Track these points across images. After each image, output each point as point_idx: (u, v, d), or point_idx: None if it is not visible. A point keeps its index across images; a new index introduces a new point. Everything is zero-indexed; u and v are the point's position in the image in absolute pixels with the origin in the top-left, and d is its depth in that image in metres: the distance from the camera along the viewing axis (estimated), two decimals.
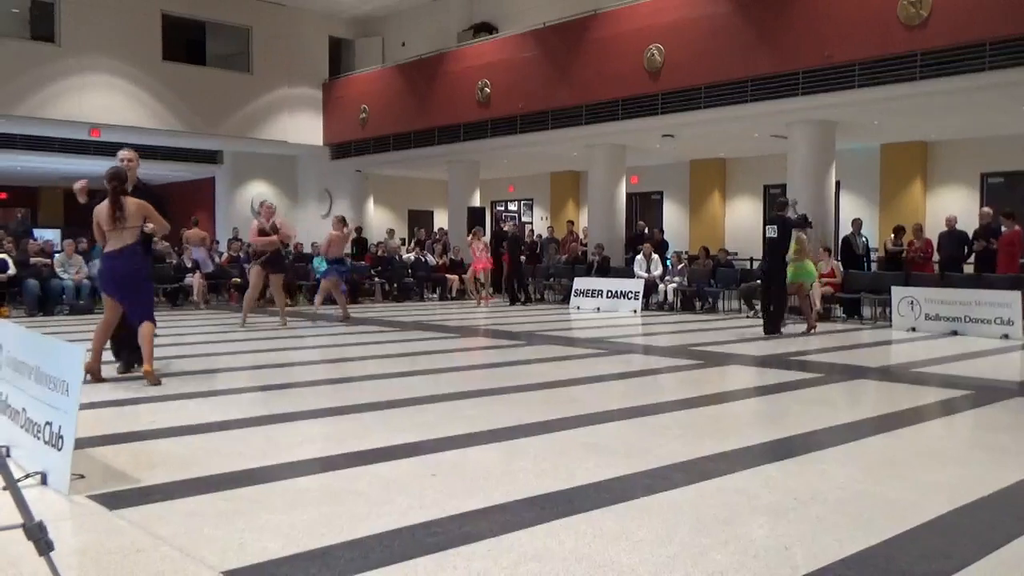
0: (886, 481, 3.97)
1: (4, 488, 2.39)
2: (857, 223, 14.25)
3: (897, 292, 11.77)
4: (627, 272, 15.74)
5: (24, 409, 3.93)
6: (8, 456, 3.79)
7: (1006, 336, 10.43)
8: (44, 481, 3.67)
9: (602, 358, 8.72)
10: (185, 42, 20.67)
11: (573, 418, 5.34)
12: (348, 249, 18.10)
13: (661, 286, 15.25)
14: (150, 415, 5.43)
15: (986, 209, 13.30)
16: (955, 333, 10.93)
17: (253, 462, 4.20)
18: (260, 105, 21.41)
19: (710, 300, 14.99)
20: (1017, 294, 10.64)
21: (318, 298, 12.30)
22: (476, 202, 20.72)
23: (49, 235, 19.79)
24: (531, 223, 23.40)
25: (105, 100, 18.82)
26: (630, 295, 14.61)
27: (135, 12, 19.16)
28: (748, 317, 13.14)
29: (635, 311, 14.29)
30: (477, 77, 18.52)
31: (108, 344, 6.73)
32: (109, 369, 6.79)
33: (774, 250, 10.72)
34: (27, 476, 3.67)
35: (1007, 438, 5.08)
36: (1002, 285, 11.28)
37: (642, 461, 4.22)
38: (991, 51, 11.44)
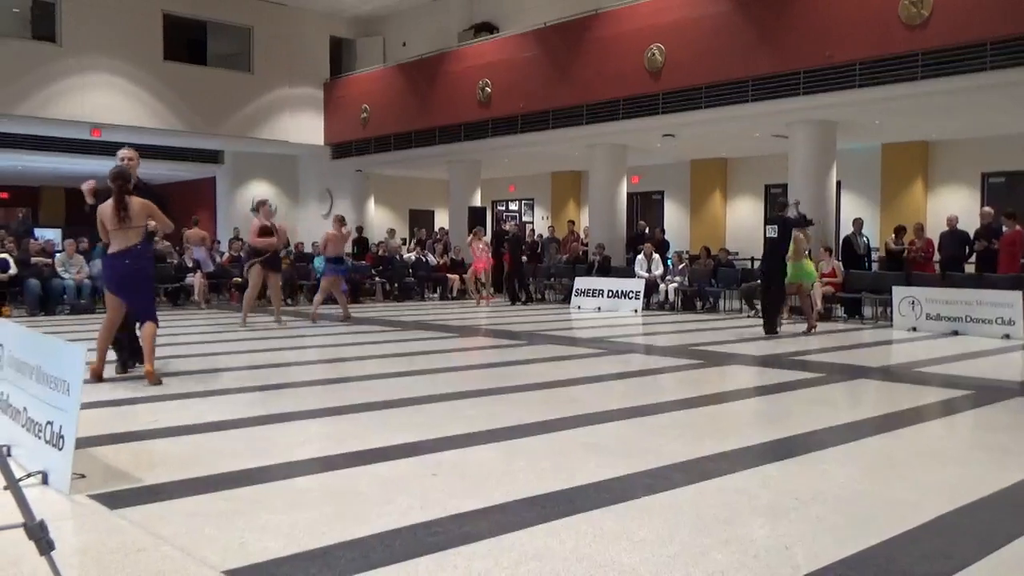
0: (887, 481, 3.97)
1: (5, 487, 2.39)
2: (858, 223, 14.24)
3: (898, 292, 11.77)
4: (628, 272, 15.74)
5: (25, 408, 3.94)
6: (9, 455, 3.80)
7: (1007, 336, 10.43)
8: (45, 480, 3.68)
9: (603, 358, 8.72)
10: (186, 42, 20.68)
11: (574, 418, 5.34)
12: (349, 249, 18.14)
13: (662, 286, 15.25)
14: (151, 415, 5.43)
15: (987, 209, 13.29)
16: (956, 333, 10.93)
17: (254, 462, 4.20)
18: (261, 105, 21.42)
19: (711, 300, 14.99)
20: (1018, 294, 10.63)
21: (318, 298, 12.30)
22: (477, 202, 20.72)
23: (50, 235, 19.83)
24: (532, 223, 23.42)
25: (106, 100, 18.83)
26: (631, 295, 14.61)
27: (136, 12, 19.17)
28: (749, 317, 13.14)
29: (636, 311, 14.29)
30: (478, 77, 18.52)
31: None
32: (108, 369, 6.78)
33: (774, 250, 10.72)
34: (28, 475, 3.67)
35: (1008, 438, 5.08)
36: (1003, 285, 11.28)
37: (642, 461, 4.23)
38: (992, 51, 11.43)
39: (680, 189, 20.97)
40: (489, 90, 18.28)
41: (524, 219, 24.23)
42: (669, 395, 6.59)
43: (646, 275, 15.20)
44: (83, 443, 4.14)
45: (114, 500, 3.51)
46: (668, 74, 15.02)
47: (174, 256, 15.93)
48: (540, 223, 23.37)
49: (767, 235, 10.94)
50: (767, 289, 10.92)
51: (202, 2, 20.37)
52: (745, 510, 3.48)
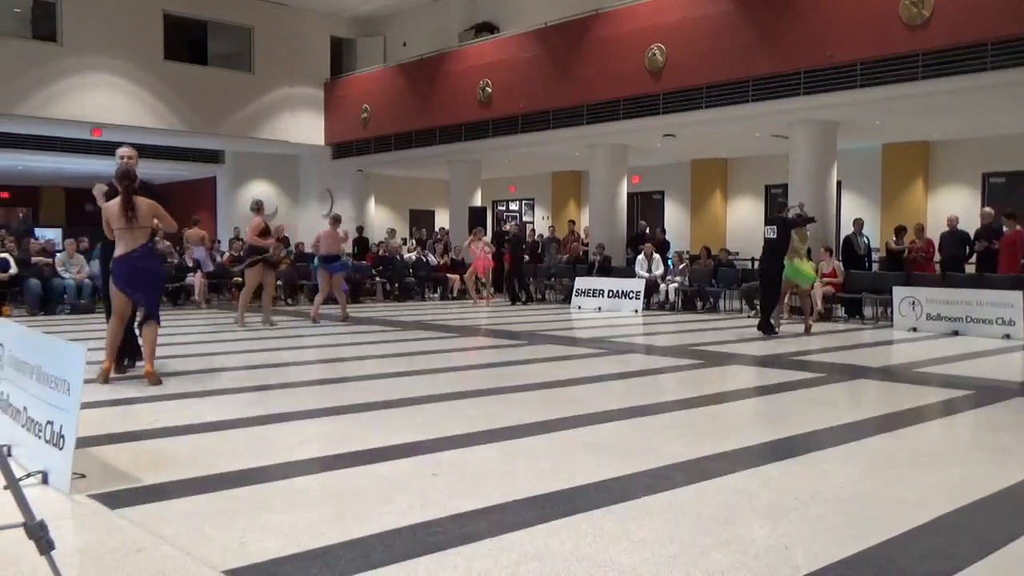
0: (887, 481, 3.97)
1: (5, 487, 2.40)
2: (858, 223, 14.24)
3: (898, 292, 11.77)
4: (628, 272, 15.74)
5: (25, 408, 3.94)
6: (9, 455, 3.80)
7: (1007, 336, 10.42)
8: (45, 480, 3.68)
9: (603, 358, 8.72)
10: (187, 42, 20.68)
11: (574, 418, 5.34)
12: (349, 248, 18.14)
13: (662, 286, 15.25)
14: (151, 415, 5.43)
15: (987, 209, 13.29)
16: (956, 333, 10.92)
17: (254, 462, 4.20)
18: (261, 105, 21.42)
19: (711, 300, 14.99)
20: (1019, 294, 10.63)
21: (318, 298, 12.32)
22: (477, 202, 20.72)
23: (50, 234, 19.82)
24: (532, 223, 23.41)
25: (107, 100, 18.83)
26: (631, 295, 14.61)
27: (137, 12, 19.17)
28: (749, 317, 13.12)
29: (636, 311, 14.29)
30: (478, 77, 18.52)
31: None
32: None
33: (772, 250, 10.72)
34: (28, 475, 3.67)
35: (1008, 438, 5.07)
36: (1003, 285, 11.27)
37: (642, 461, 4.22)
38: (993, 51, 11.42)
39: (680, 189, 20.97)
40: (490, 90, 18.28)
41: (524, 219, 24.23)
42: (669, 395, 6.59)
43: (646, 275, 15.20)
44: (83, 443, 4.14)
45: (114, 500, 3.52)
46: (669, 74, 15.02)
47: (174, 256, 15.93)
48: (540, 223, 23.37)
49: (766, 235, 10.94)
50: (764, 289, 10.93)
51: (202, 2, 20.37)
52: (745, 510, 3.48)
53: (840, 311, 13.60)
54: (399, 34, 22.74)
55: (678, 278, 15.42)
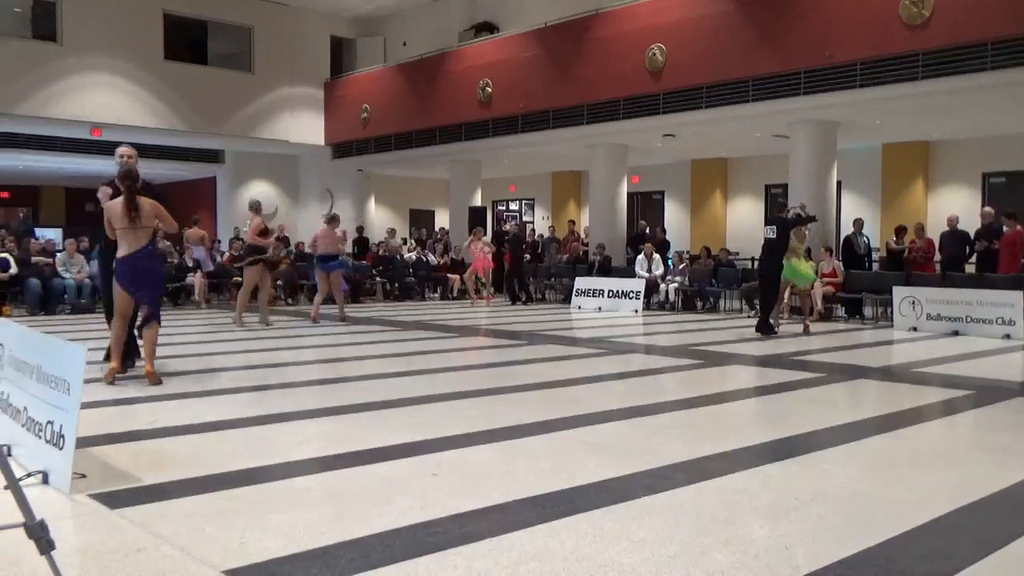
0: (887, 481, 3.97)
1: (5, 487, 2.40)
2: (858, 223, 14.24)
3: (898, 292, 11.77)
4: (628, 272, 15.74)
5: (25, 408, 3.94)
6: (9, 455, 3.79)
7: (1008, 336, 10.42)
8: (45, 480, 3.68)
9: (603, 358, 8.71)
10: (187, 41, 20.68)
11: (574, 418, 5.34)
12: (349, 248, 18.13)
13: (662, 286, 15.25)
14: (151, 414, 5.43)
15: (988, 209, 13.28)
16: (956, 333, 10.92)
17: (254, 461, 4.20)
18: (262, 104, 21.42)
19: (711, 300, 14.99)
20: (1019, 294, 10.63)
21: (317, 298, 12.34)
22: (477, 202, 20.72)
23: (51, 234, 19.80)
24: (532, 223, 23.41)
25: (107, 99, 18.83)
26: (631, 295, 14.61)
27: (137, 11, 19.17)
28: (749, 317, 13.12)
29: (636, 311, 14.29)
30: (478, 77, 18.52)
31: (104, 345, 6.73)
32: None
33: (771, 250, 10.71)
34: (28, 475, 3.67)
35: (1008, 438, 5.07)
36: (1004, 285, 11.27)
37: (643, 461, 4.22)
38: (993, 51, 11.42)
39: (680, 189, 20.97)
40: (490, 90, 18.28)
41: (524, 219, 24.23)
42: (669, 395, 6.59)
43: (646, 275, 15.19)
44: (83, 443, 4.14)
45: (114, 500, 3.51)
46: (669, 74, 15.02)
47: (174, 256, 15.93)
48: (540, 223, 23.36)
49: (766, 235, 10.94)
50: (763, 289, 10.94)
51: (203, 2, 20.37)
52: (745, 510, 3.48)
53: (840, 311, 13.60)
54: (399, 34, 22.75)
55: (678, 278, 15.42)
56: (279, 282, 16.19)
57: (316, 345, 9.67)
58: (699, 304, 15.09)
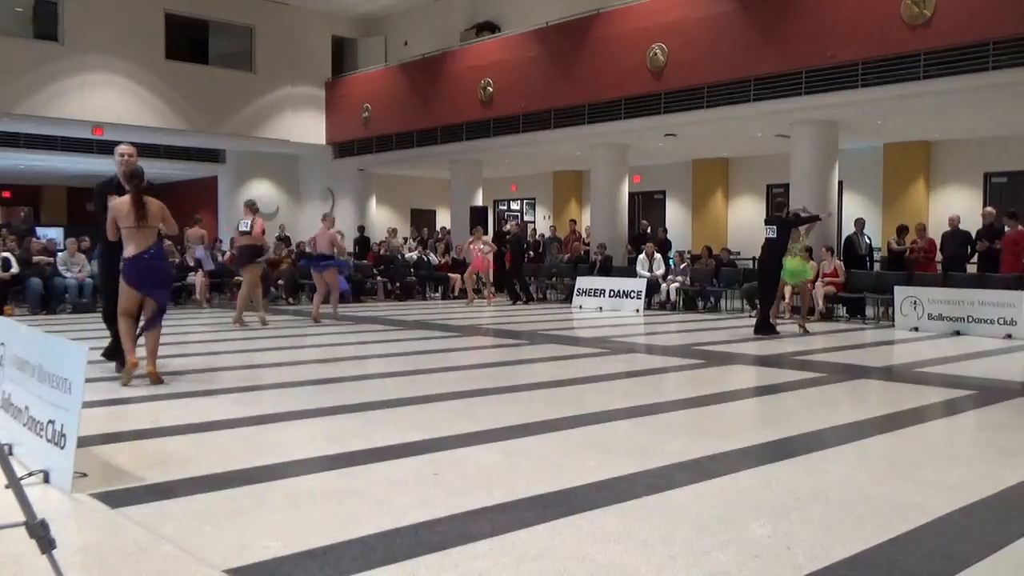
0: (889, 481, 3.97)
1: (6, 486, 2.40)
2: (860, 223, 14.23)
3: (900, 292, 11.76)
4: (629, 271, 15.74)
5: (27, 407, 3.94)
6: (11, 454, 3.79)
7: (1009, 336, 10.41)
8: (46, 479, 3.68)
9: (604, 357, 8.71)
10: (188, 41, 20.69)
11: (575, 418, 5.33)
12: (349, 248, 18.14)
13: (664, 285, 15.24)
14: (152, 414, 5.43)
15: (989, 209, 13.27)
16: (958, 333, 10.91)
17: (255, 461, 4.20)
18: (263, 104, 21.42)
19: (712, 300, 14.98)
20: (1020, 294, 10.62)
21: (317, 297, 12.37)
22: (479, 201, 20.72)
23: (52, 234, 19.79)
24: (534, 222, 23.40)
25: (108, 99, 18.84)
26: (632, 294, 14.60)
27: (138, 11, 19.18)
28: (750, 316, 13.11)
29: (637, 310, 14.28)
30: (480, 76, 18.51)
31: (104, 345, 6.73)
32: (108, 368, 6.79)
33: (771, 250, 10.71)
34: (30, 474, 3.67)
35: (1010, 438, 5.07)
36: (1005, 285, 11.27)
37: (644, 460, 4.22)
38: (995, 51, 11.41)
39: (682, 189, 20.96)
40: (491, 89, 18.28)
41: (526, 218, 24.23)
42: (671, 395, 6.59)
43: (648, 275, 15.19)
44: (84, 442, 4.13)
45: (115, 499, 3.51)
46: (670, 74, 15.01)
47: (175, 255, 15.93)
48: (542, 222, 23.36)
49: (766, 235, 10.92)
50: (762, 289, 10.93)
51: (204, 1, 20.37)
52: (747, 510, 3.48)
53: (842, 311, 13.59)
54: (400, 34, 22.75)
55: (679, 278, 15.41)
56: (280, 281, 16.20)
57: (317, 345, 9.67)
58: (700, 304, 15.09)
